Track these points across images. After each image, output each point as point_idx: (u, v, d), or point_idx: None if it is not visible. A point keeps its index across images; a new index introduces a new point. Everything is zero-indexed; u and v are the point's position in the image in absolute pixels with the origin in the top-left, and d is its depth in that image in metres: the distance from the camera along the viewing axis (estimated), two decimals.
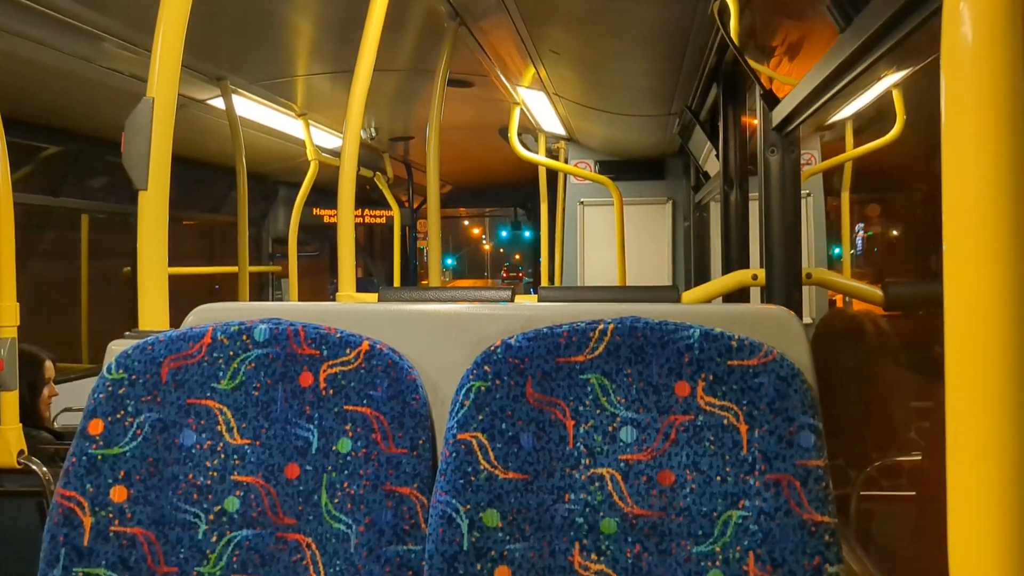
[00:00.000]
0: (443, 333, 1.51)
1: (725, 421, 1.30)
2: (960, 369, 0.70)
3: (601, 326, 1.36)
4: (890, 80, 3.06)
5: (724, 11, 2.73)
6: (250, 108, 5.06)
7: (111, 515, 1.37)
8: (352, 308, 1.57)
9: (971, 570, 0.70)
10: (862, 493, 2.30)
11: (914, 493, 2.26)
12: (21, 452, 2.68)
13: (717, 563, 1.26)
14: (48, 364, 3.71)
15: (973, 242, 0.68)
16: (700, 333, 1.34)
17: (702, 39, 3.49)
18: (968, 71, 0.68)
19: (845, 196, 5.22)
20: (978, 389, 0.69)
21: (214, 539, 1.38)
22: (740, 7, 2.67)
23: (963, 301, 0.69)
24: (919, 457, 2.30)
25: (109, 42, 3.61)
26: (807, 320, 4.61)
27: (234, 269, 5.15)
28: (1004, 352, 0.68)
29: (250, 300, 5.16)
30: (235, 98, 4.60)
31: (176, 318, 1.65)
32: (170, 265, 1.88)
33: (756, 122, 2.57)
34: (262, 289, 8.51)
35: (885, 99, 3.87)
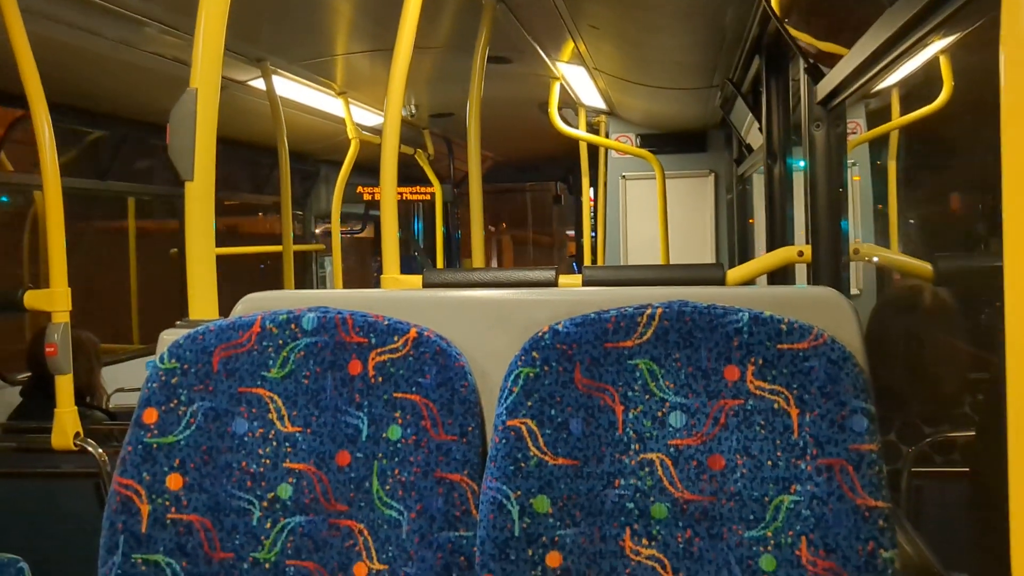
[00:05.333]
0: (490, 319, 1.51)
1: (775, 405, 1.29)
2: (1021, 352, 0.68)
3: (649, 311, 1.36)
4: (937, 46, 2.99)
5: None
6: (290, 88, 5.07)
7: (167, 503, 1.40)
8: (398, 295, 1.58)
9: None
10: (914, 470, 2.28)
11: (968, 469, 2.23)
12: (77, 434, 2.74)
13: (769, 548, 1.25)
14: (97, 344, 3.80)
15: None
16: (749, 316, 1.33)
17: (743, 10, 3.43)
18: None
19: (892, 166, 5.13)
20: None
21: (268, 525, 1.40)
22: None
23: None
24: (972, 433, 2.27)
25: (151, 27, 3.63)
26: (854, 291, 4.56)
27: (279, 248, 5.19)
28: None
29: (295, 277, 5.19)
30: (275, 79, 4.62)
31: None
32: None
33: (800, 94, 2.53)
34: (306, 268, 8.57)
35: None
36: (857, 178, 4.88)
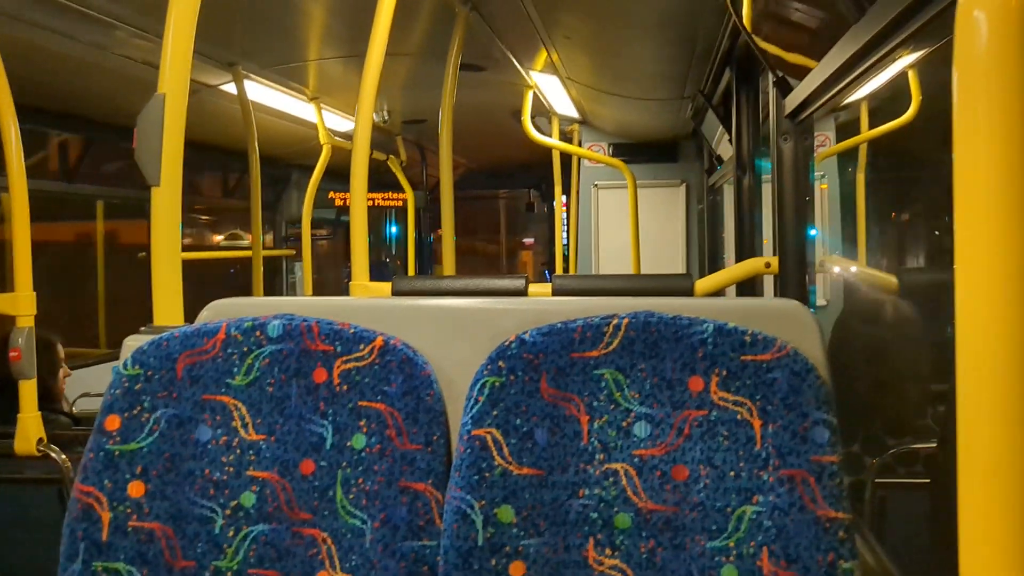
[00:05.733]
0: (457, 328, 1.51)
1: (739, 416, 1.30)
2: (971, 364, 0.70)
3: (615, 321, 1.37)
4: (905, 61, 3.04)
5: None
6: (262, 93, 5.05)
7: (129, 510, 1.39)
8: (365, 303, 1.58)
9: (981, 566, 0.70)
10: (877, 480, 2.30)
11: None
12: (40, 440, 2.72)
13: (731, 558, 1.26)
14: (59, 346, 3.76)
15: (984, 237, 0.68)
16: (714, 328, 1.34)
17: (714, 23, 3.47)
18: (980, 73, 0.68)
19: (860, 178, 5.18)
20: (989, 385, 0.69)
21: (231, 534, 1.39)
22: None
23: (974, 294, 0.69)
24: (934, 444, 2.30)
25: (121, 30, 3.61)
26: (821, 302, 4.60)
27: (248, 253, 5.17)
28: (1015, 347, 0.67)
29: (264, 281, 5.17)
30: (247, 83, 4.60)
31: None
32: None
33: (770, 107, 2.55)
34: (275, 273, 8.54)
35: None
36: (824, 186, 4.92)
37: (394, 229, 10.94)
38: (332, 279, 10.70)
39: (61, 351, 3.78)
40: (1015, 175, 0.67)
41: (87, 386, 4.64)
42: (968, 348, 0.70)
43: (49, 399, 3.63)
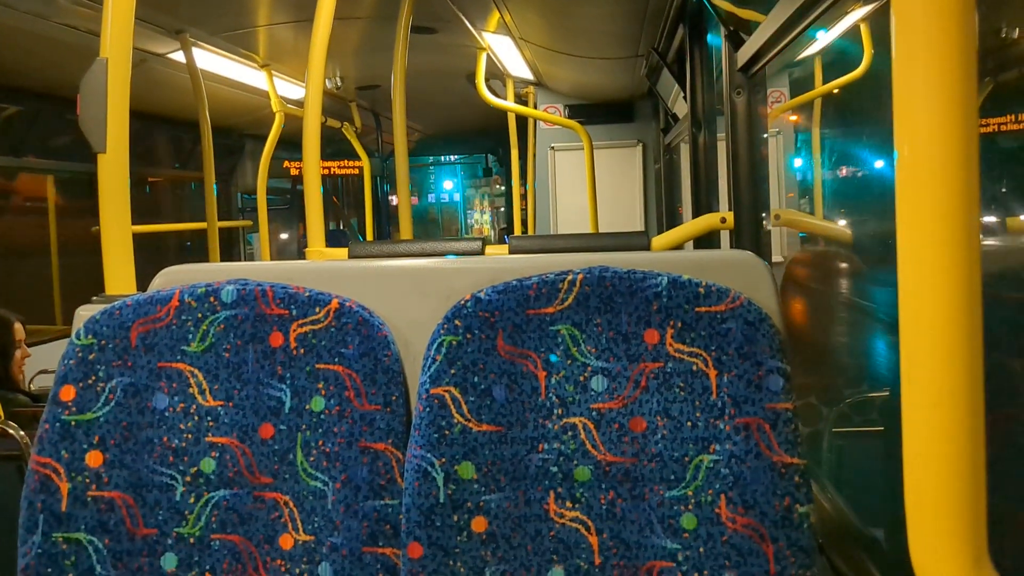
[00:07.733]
0: (413, 288, 1.50)
1: (694, 367, 1.31)
2: (914, 336, 0.71)
3: (570, 276, 1.37)
4: (857, 14, 3.05)
5: None
6: (212, 61, 4.98)
7: (88, 480, 1.37)
8: (320, 266, 1.57)
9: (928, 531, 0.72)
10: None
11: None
12: None
13: (690, 507, 1.28)
14: (18, 326, 3.69)
15: (926, 191, 0.68)
16: (668, 281, 1.34)
17: None
18: (920, 21, 0.68)
19: (816, 133, 5.21)
20: (932, 357, 0.70)
21: (192, 500, 1.38)
22: None
23: (916, 258, 0.70)
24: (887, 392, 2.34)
25: None
26: (778, 259, 4.64)
27: (203, 225, 5.11)
28: (956, 316, 0.68)
29: (221, 254, 5.12)
30: (196, 51, 4.53)
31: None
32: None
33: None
34: (232, 246, 8.44)
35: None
36: (794, 115, 4.91)
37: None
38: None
39: (21, 331, 3.72)
40: (954, 120, 0.67)
41: (45, 363, 4.58)
42: (910, 294, 0.71)
43: (4, 381, 3.59)
